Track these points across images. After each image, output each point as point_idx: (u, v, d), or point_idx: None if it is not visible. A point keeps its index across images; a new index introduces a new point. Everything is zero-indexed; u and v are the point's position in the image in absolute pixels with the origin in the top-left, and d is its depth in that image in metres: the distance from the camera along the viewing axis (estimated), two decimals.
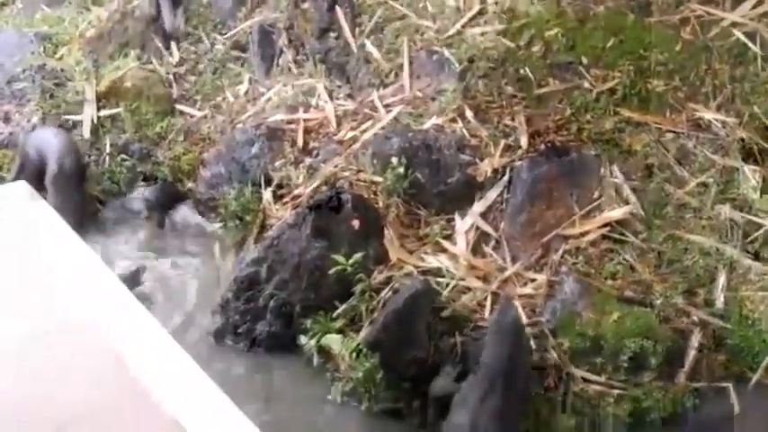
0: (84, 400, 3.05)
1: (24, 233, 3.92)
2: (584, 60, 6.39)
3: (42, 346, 3.24)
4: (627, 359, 5.09)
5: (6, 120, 7.62)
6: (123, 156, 7.17)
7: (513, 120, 6.27)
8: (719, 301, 5.45)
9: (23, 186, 4.44)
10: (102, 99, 7.49)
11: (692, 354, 5.23)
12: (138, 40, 7.99)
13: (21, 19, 8.64)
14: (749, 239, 5.64)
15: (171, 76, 7.77)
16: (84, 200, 6.83)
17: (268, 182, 6.44)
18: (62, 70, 7.85)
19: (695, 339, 5.26)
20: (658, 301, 5.36)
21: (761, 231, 5.64)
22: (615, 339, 5.14)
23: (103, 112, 7.42)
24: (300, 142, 6.63)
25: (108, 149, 7.21)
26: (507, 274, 5.57)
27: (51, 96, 7.61)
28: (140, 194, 7.08)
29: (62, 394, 3.07)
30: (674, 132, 6.08)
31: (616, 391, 5.07)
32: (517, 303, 5.35)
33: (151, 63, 7.84)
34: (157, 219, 6.87)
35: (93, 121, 7.34)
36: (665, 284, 5.47)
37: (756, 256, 5.58)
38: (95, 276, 3.63)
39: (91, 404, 3.03)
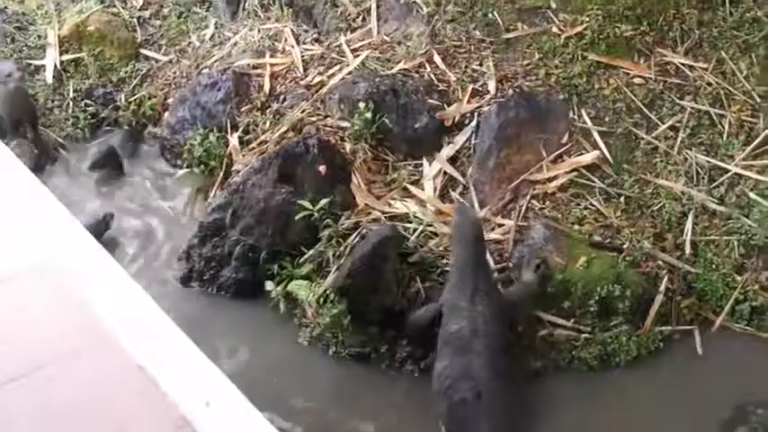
0: (49, 344, 3.02)
1: None
2: (553, 5, 6.37)
3: (6, 290, 3.20)
4: (595, 303, 5.10)
5: None
6: (87, 101, 7.05)
7: (481, 65, 6.24)
8: (687, 246, 5.47)
9: None
10: (65, 43, 7.37)
11: (659, 298, 5.25)
12: None
13: None
14: (715, 184, 5.65)
15: (135, 20, 7.66)
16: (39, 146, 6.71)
17: (234, 127, 6.36)
18: (24, 14, 7.72)
19: (663, 284, 5.28)
20: (626, 246, 5.38)
21: (726, 176, 5.65)
22: (583, 284, 5.15)
23: (66, 57, 7.29)
24: (267, 87, 6.55)
25: (71, 95, 7.11)
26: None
27: (13, 40, 7.48)
28: (104, 140, 6.97)
29: (25, 339, 3.04)
30: (643, 77, 6.07)
31: (583, 336, 5.09)
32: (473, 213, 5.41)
33: (115, 6, 7.72)
34: (118, 165, 6.76)
35: (56, 66, 7.20)
36: (633, 229, 5.49)
37: (722, 201, 5.60)
38: (57, 221, 3.58)
39: (55, 349, 3.00)
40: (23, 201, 3.72)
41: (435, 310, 5.00)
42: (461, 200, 5.64)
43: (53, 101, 7.11)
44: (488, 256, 5.23)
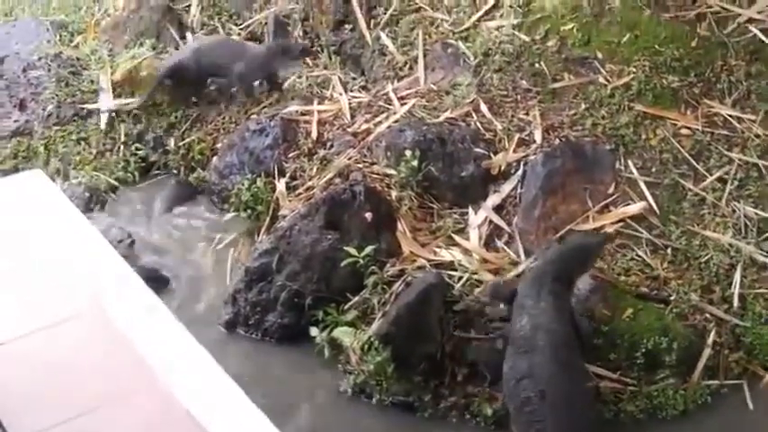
0: (96, 389, 3.05)
1: (37, 221, 3.94)
2: (600, 55, 6.38)
3: (54, 336, 3.25)
4: (641, 356, 5.05)
5: (22, 107, 7.63)
6: (137, 145, 7.16)
7: (527, 114, 6.26)
8: (735, 299, 5.42)
9: (38, 174, 4.46)
10: (117, 88, 7.48)
11: (706, 351, 5.20)
12: (153, 29, 7.99)
13: (37, 7, 8.66)
14: (764, 237, 5.61)
15: None
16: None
17: (281, 173, 6.42)
18: (77, 59, 7.85)
19: (710, 337, 5.23)
20: (673, 298, 5.34)
21: None
22: (629, 336, 5.11)
23: (118, 102, 7.40)
24: (314, 134, 6.61)
25: (122, 138, 7.20)
26: (520, 268, 5.53)
27: (67, 85, 7.61)
28: (152, 186, 7.06)
29: (71, 384, 3.07)
30: (690, 128, 6.05)
31: (629, 388, 5.04)
32: None
33: (167, 52, 7.83)
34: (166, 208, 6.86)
35: (109, 111, 7.32)
36: (680, 281, 5.45)
37: None
38: (108, 266, 3.64)
39: (102, 394, 3.03)
40: (72, 242, 3.79)
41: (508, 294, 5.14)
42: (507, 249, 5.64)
43: (104, 144, 7.22)
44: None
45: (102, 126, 7.24)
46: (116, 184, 6.97)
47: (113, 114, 7.28)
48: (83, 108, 7.44)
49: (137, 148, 7.14)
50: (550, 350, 4.71)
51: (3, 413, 2.88)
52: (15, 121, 7.54)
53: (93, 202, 6.78)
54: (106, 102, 7.37)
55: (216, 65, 7.18)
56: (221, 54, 7.19)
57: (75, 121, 7.36)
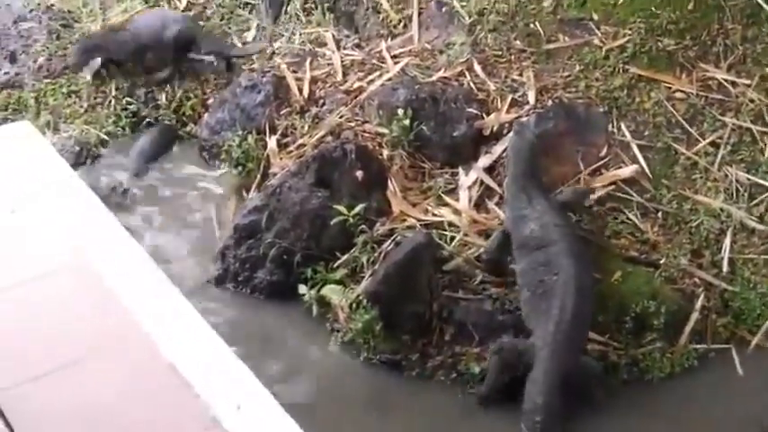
0: (81, 341, 3.05)
1: (25, 173, 3.92)
2: (595, 17, 6.33)
3: (39, 288, 3.24)
4: (629, 319, 5.06)
5: (12, 60, 7.55)
6: (128, 99, 7.10)
7: (521, 75, 6.22)
8: (724, 264, 5.42)
9: (26, 126, 4.43)
10: None
11: (694, 316, 5.21)
12: None
13: None
14: (755, 202, 5.60)
15: None
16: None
17: (272, 130, 6.39)
18: (69, 11, 7.78)
19: (699, 301, 5.24)
20: (662, 262, 5.35)
21: (767, 194, 5.59)
22: (618, 299, 5.12)
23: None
24: (306, 91, 6.57)
25: (113, 93, 7.14)
26: None
27: (58, 37, 7.55)
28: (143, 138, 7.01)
29: (57, 335, 3.07)
30: (684, 92, 6.01)
31: (616, 351, 5.05)
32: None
33: (159, 6, 7.75)
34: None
35: (98, 64, 7.26)
36: (670, 245, 5.45)
37: (761, 219, 5.55)
38: (94, 217, 3.62)
39: (87, 345, 3.03)
40: (61, 195, 3.77)
41: (501, 235, 5.30)
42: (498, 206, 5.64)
43: (95, 98, 7.16)
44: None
45: (88, 77, 7.17)
46: (106, 138, 6.91)
47: (103, 70, 7.21)
48: None
49: (127, 103, 7.08)
50: (566, 241, 5.01)
51: None
52: (6, 74, 7.47)
53: (83, 155, 6.72)
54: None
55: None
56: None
57: (65, 74, 7.30)
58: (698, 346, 5.18)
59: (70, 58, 7.28)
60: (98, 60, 7.07)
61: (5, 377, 2.84)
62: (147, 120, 7.06)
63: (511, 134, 5.66)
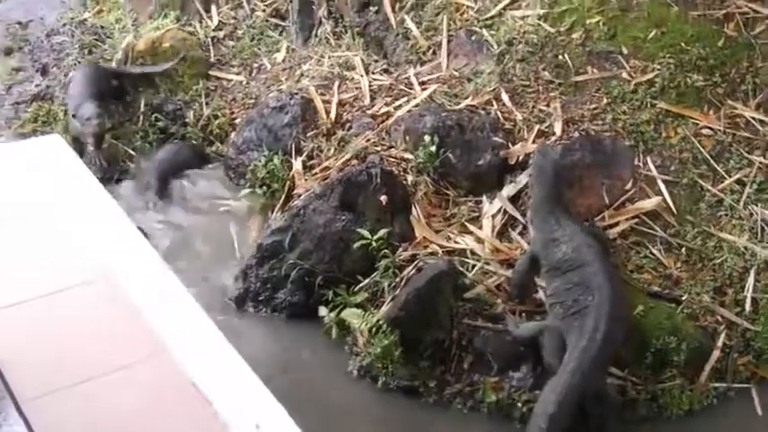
0: (102, 355, 3.06)
1: (53, 186, 3.95)
2: (624, 50, 6.34)
3: (62, 301, 3.26)
4: (650, 354, 5.04)
5: (44, 72, 7.66)
6: (157, 115, 7.16)
7: (548, 105, 6.23)
8: (747, 302, 5.39)
9: (55, 139, 4.46)
10: (140, 58, 7.49)
11: (715, 354, 5.18)
12: (178, 1, 8.00)
13: None
14: None
15: (209, 40, 7.77)
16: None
17: (298, 151, 6.42)
18: (102, 27, 7.87)
19: (720, 339, 5.21)
20: (685, 298, 5.32)
21: None
22: (638, 333, 5.09)
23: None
24: (333, 114, 6.60)
25: (142, 108, 7.21)
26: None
27: (90, 52, 7.63)
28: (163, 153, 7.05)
29: (79, 349, 3.08)
30: (711, 129, 6.02)
31: (635, 386, 5.03)
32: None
33: (191, 25, 7.84)
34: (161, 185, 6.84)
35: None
36: (693, 281, 5.43)
37: None
38: (120, 231, 3.64)
39: (108, 360, 3.04)
40: (88, 209, 3.79)
41: (529, 259, 5.31)
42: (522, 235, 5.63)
43: (124, 113, 7.22)
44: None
45: None
46: (133, 153, 6.97)
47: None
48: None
49: (156, 119, 7.14)
50: (599, 262, 5.03)
51: (8, 373, 2.89)
52: (37, 86, 7.59)
53: (110, 169, 6.78)
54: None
55: None
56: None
57: None
58: (718, 384, 5.15)
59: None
60: None
61: (32, 387, 2.86)
62: (175, 137, 7.12)
63: (534, 157, 5.68)
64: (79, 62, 7.52)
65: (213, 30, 7.85)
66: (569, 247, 5.12)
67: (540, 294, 5.34)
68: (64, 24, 7.91)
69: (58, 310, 3.22)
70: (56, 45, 7.82)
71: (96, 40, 7.76)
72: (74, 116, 6.81)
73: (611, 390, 4.92)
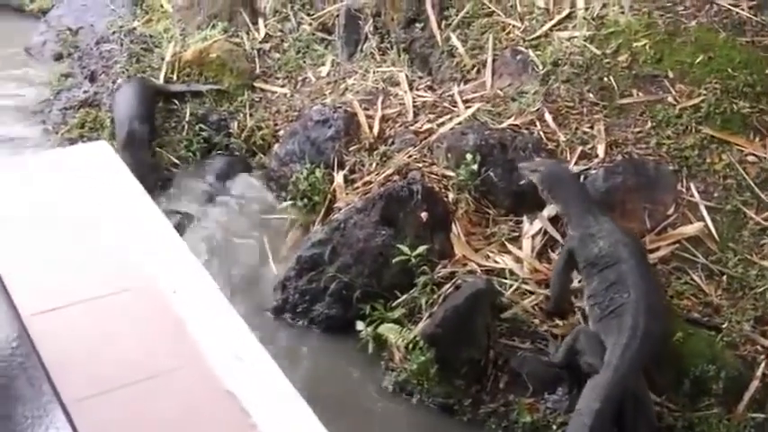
0: (139, 363, 3.09)
1: (99, 194, 3.99)
2: (671, 74, 6.31)
3: (114, 305, 3.29)
4: (688, 381, 5.00)
5: (92, 79, 7.75)
6: (201, 125, 7.23)
7: (592, 127, 6.21)
8: None
9: (102, 146, 4.51)
10: (187, 68, 7.56)
11: (754, 383, 5.12)
12: (226, 12, 8.07)
13: None
14: None
15: (255, 52, 7.83)
16: (150, 165, 6.86)
17: (340, 165, 6.46)
18: (150, 36, 7.96)
19: (760, 369, 5.16)
20: (725, 326, 5.27)
21: None
22: (677, 360, 5.05)
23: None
24: (377, 129, 6.63)
25: (187, 118, 7.28)
26: (573, 283, 5.50)
27: (138, 60, 7.72)
28: (211, 165, 7.11)
29: (116, 356, 3.11)
30: (756, 156, 5.97)
31: (672, 413, 4.98)
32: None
33: (238, 37, 7.91)
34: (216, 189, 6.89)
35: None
36: (733, 309, 5.38)
37: None
38: (165, 241, 3.67)
39: (146, 367, 3.07)
40: (134, 217, 3.83)
41: (566, 254, 5.37)
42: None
43: (170, 122, 7.30)
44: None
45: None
46: (177, 162, 7.04)
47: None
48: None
49: (200, 129, 7.21)
50: (635, 258, 5.09)
51: (56, 376, 2.93)
52: (85, 92, 7.68)
53: (153, 177, 6.84)
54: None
55: None
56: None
57: None
58: (756, 414, 5.08)
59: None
60: None
61: (78, 388, 2.89)
62: (218, 147, 7.18)
63: (543, 171, 5.70)
64: (127, 70, 7.60)
65: (260, 42, 7.91)
66: (606, 242, 5.16)
67: (578, 316, 5.32)
68: (113, 32, 8.00)
69: (104, 314, 3.26)
70: (105, 52, 7.91)
71: (144, 49, 7.84)
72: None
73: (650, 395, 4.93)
